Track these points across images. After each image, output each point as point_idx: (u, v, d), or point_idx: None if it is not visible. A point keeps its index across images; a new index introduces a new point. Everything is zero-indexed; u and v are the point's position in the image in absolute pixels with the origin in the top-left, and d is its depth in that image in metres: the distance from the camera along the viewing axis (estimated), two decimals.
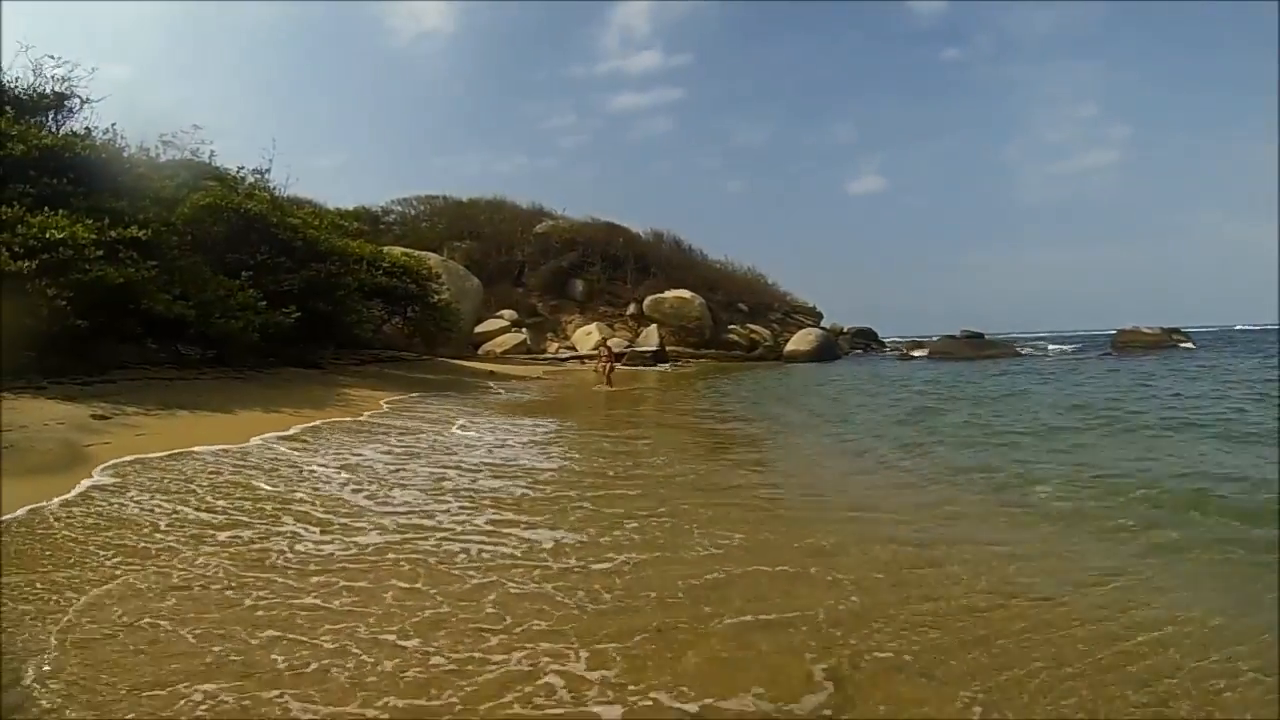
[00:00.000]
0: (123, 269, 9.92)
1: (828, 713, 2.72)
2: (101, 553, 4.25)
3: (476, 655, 3.12)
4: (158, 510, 5.23)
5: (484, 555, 4.56)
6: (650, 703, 2.77)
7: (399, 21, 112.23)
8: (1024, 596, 3.90)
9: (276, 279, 13.67)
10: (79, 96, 12.86)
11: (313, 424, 9.49)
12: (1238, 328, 72.76)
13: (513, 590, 3.95)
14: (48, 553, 4.19)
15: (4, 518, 4.63)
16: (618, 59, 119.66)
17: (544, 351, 30.45)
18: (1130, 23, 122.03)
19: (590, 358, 26.50)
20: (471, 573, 4.22)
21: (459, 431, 9.99)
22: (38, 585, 3.69)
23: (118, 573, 3.98)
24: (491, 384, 18.06)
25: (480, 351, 28.29)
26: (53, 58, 12.73)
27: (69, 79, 12.80)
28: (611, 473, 7.53)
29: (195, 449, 7.31)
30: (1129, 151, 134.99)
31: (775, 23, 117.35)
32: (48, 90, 12.51)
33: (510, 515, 5.57)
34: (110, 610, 3.48)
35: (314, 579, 4.05)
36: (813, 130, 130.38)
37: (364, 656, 3.07)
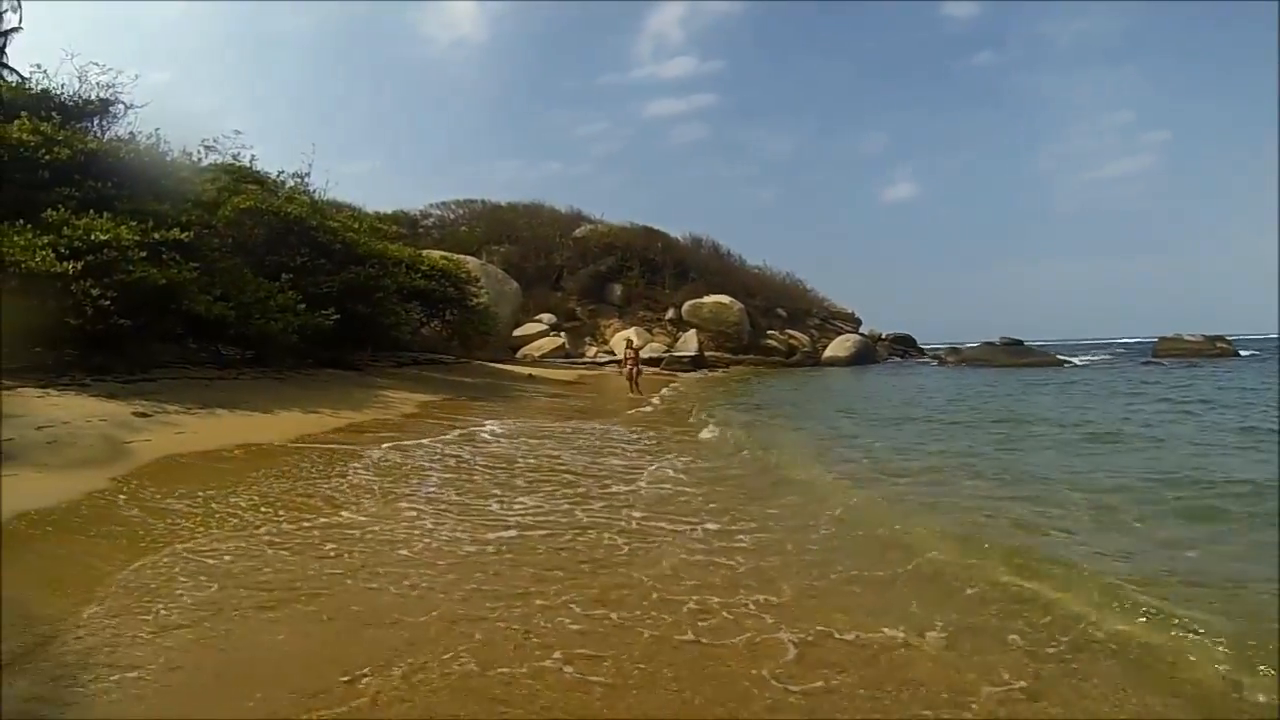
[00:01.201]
0: (165, 270, 10.03)
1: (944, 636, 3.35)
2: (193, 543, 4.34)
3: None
4: (246, 505, 5.32)
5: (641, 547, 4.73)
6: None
7: (433, 29, 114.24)
8: None
9: (315, 281, 13.69)
10: (123, 102, 13.13)
11: (389, 428, 9.44)
12: (1272, 335, 69.04)
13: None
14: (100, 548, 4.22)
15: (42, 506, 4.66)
16: (651, 66, 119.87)
17: (582, 355, 30.30)
18: (1166, 26, 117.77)
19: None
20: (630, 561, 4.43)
21: (513, 437, 9.77)
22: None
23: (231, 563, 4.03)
24: (531, 388, 17.83)
25: (518, 355, 28.22)
26: (97, 65, 13.05)
27: (113, 85, 13.09)
28: (720, 472, 7.52)
29: (272, 441, 7.55)
30: (1165, 157, 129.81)
31: (808, 28, 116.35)
32: (93, 96, 12.79)
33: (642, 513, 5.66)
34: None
35: (458, 568, 4.17)
36: (846, 136, 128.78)
37: (542, 623, 3.42)
